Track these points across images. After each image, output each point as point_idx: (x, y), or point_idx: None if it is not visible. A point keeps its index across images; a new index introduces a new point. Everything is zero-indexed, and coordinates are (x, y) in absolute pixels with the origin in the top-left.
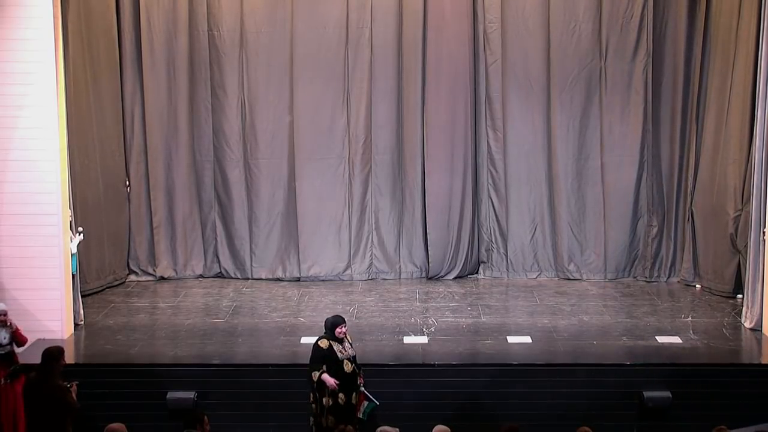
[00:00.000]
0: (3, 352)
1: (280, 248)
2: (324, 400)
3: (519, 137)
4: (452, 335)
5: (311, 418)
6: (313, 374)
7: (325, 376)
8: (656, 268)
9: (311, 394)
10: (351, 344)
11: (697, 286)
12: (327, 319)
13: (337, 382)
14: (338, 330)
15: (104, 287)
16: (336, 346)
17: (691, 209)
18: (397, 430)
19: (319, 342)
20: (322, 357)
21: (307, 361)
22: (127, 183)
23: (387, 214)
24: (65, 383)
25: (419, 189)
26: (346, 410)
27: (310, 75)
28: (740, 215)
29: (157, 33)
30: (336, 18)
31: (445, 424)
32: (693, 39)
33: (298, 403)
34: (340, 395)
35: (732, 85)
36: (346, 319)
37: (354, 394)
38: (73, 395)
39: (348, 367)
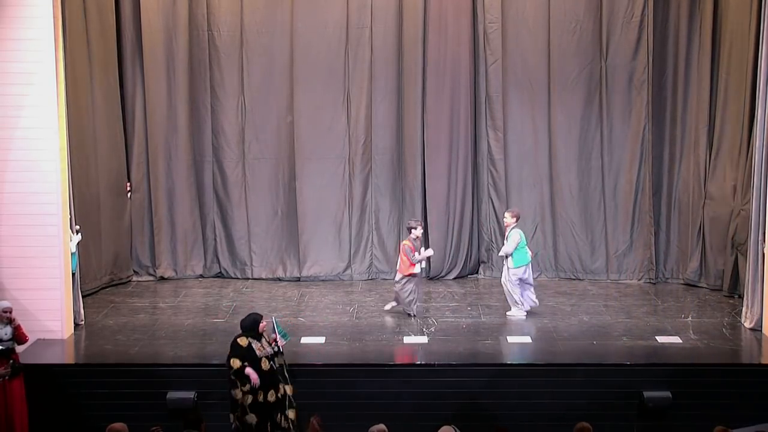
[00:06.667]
0: (2, 347)
1: (280, 248)
2: (242, 396)
3: (519, 137)
4: (452, 335)
5: (231, 415)
6: (232, 361)
7: (249, 370)
8: (656, 268)
9: (236, 390)
10: (269, 342)
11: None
12: (245, 318)
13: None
14: (261, 325)
15: (107, 287)
16: (255, 344)
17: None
18: (383, 426)
19: (238, 339)
20: (242, 355)
21: (306, 361)
22: (129, 185)
23: (387, 214)
24: None
25: (419, 189)
26: (265, 407)
27: (310, 75)
28: (740, 215)
29: (157, 33)
30: (336, 18)
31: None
32: (693, 39)
33: (298, 402)
34: (259, 392)
35: (732, 85)
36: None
37: (272, 391)
38: None
39: (265, 364)
